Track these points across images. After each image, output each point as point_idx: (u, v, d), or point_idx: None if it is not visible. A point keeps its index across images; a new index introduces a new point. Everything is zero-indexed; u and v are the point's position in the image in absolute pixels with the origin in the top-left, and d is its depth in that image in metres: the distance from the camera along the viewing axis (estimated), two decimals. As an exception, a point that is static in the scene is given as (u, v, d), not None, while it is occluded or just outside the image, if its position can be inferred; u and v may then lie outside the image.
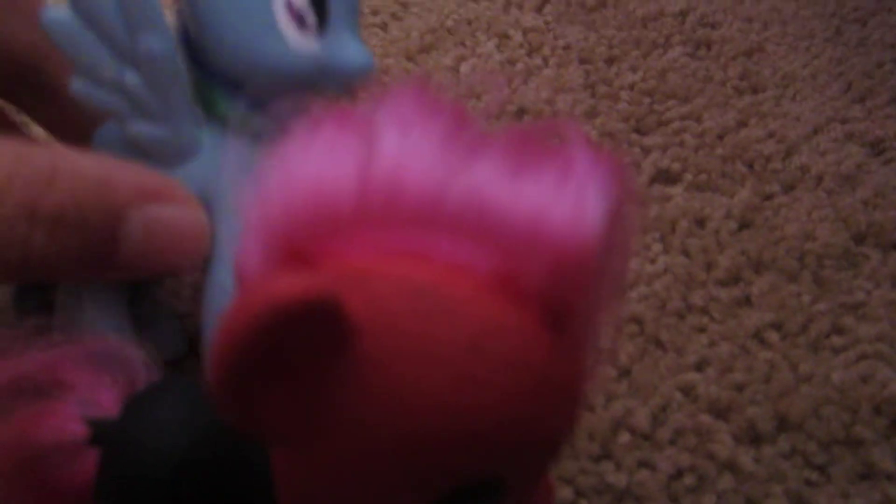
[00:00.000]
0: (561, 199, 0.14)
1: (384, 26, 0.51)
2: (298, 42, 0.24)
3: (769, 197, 0.43)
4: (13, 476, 0.19)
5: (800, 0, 0.60)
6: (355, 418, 0.14)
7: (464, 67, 0.48)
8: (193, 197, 0.22)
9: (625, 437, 0.31)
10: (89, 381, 0.22)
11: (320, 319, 0.12)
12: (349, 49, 0.24)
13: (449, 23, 0.51)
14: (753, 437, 0.32)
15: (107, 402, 0.21)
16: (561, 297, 0.14)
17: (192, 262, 0.23)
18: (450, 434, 0.13)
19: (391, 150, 0.14)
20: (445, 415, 0.13)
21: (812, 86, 0.52)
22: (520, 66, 0.49)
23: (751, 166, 0.45)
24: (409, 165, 0.14)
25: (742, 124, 0.47)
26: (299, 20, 0.23)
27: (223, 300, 0.25)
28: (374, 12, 0.51)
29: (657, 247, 0.39)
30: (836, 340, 0.36)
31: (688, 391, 0.33)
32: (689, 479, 0.31)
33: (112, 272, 0.22)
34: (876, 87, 0.52)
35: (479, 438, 0.13)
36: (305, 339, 0.12)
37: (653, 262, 0.38)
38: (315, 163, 0.14)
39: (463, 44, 0.50)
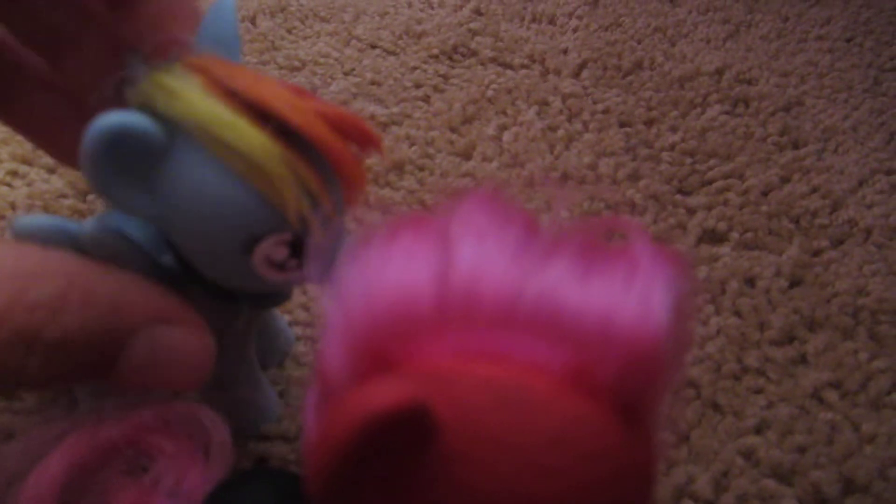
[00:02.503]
0: (629, 296, 0.15)
1: (427, 99, 0.52)
2: (276, 278, 0.23)
3: (818, 253, 0.43)
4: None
5: (835, 52, 0.61)
6: (442, 511, 0.14)
7: (506, 136, 0.49)
8: (201, 321, 0.23)
9: (688, 505, 0.31)
10: (173, 449, 0.23)
11: (411, 424, 0.13)
12: None
13: (489, 93, 0.53)
14: (820, 502, 0.32)
15: (189, 473, 0.22)
16: (633, 390, 0.15)
17: (191, 384, 0.22)
18: (534, 526, 0.14)
19: (468, 256, 0.15)
20: (525, 503, 0.14)
21: (854, 138, 0.52)
22: (560, 132, 0.50)
23: (797, 222, 0.45)
24: (485, 270, 0.15)
25: (785, 180, 0.48)
26: (279, 267, 0.23)
27: None
28: (417, 85, 0.53)
29: (709, 308, 0.39)
30: (898, 398, 0.36)
31: (749, 455, 0.33)
32: (756, 547, 0.30)
33: (105, 381, 0.21)
34: (919, 136, 0.52)
35: (562, 529, 0.14)
36: (397, 441, 0.13)
37: (705, 324, 0.38)
38: (395, 269, 0.15)
39: (504, 112, 0.52)
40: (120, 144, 0.21)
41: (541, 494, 0.14)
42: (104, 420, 0.23)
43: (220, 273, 0.25)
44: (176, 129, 0.22)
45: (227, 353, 0.29)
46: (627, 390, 0.14)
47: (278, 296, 0.27)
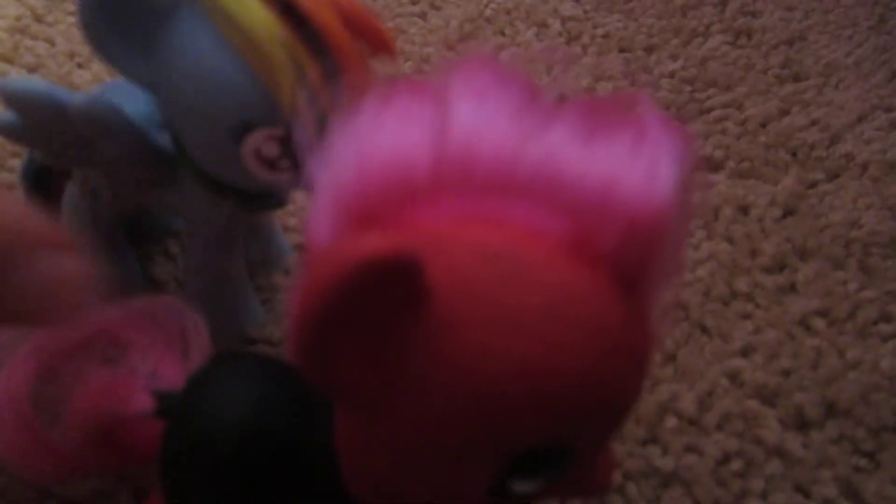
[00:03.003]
0: (634, 164, 0.14)
1: (423, 16, 0.51)
2: (266, 176, 0.23)
3: (813, 185, 0.43)
4: (87, 441, 0.20)
5: (842, -12, 0.59)
6: (430, 379, 0.14)
7: (503, 56, 0.48)
8: (82, 245, 0.22)
9: (671, 422, 0.31)
10: (147, 341, 0.22)
11: (402, 279, 0.12)
12: None
13: (488, 12, 0.51)
14: (801, 423, 0.32)
15: (166, 364, 0.22)
16: (633, 261, 0.14)
17: (71, 308, 0.20)
18: (525, 396, 0.13)
19: (465, 119, 0.14)
20: (521, 377, 0.13)
21: (856, 74, 0.51)
22: (559, 54, 0.49)
23: (794, 154, 0.44)
24: (483, 133, 0.14)
25: (785, 112, 0.47)
26: (269, 164, 0.22)
27: None
28: (414, 2, 0.52)
29: (701, 233, 0.39)
30: (884, 328, 0.36)
31: (734, 377, 0.33)
32: (736, 464, 0.30)
33: None
34: (921, 75, 0.51)
35: (553, 400, 0.14)
36: (386, 298, 0.13)
37: (696, 248, 0.38)
38: (389, 131, 0.14)
39: (502, 32, 0.50)
40: None
41: (530, 363, 0.13)
42: (75, 317, 0.23)
43: (210, 160, 0.24)
44: None
45: (208, 248, 0.28)
46: (628, 261, 0.14)
47: (270, 198, 0.26)
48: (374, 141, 0.14)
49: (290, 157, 0.23)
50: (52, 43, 0.44)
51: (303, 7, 0.20)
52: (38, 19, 0.45)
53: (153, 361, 0.22)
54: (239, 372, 0.20)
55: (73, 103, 0.23)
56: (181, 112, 0.23)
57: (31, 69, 0.42)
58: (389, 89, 0.15)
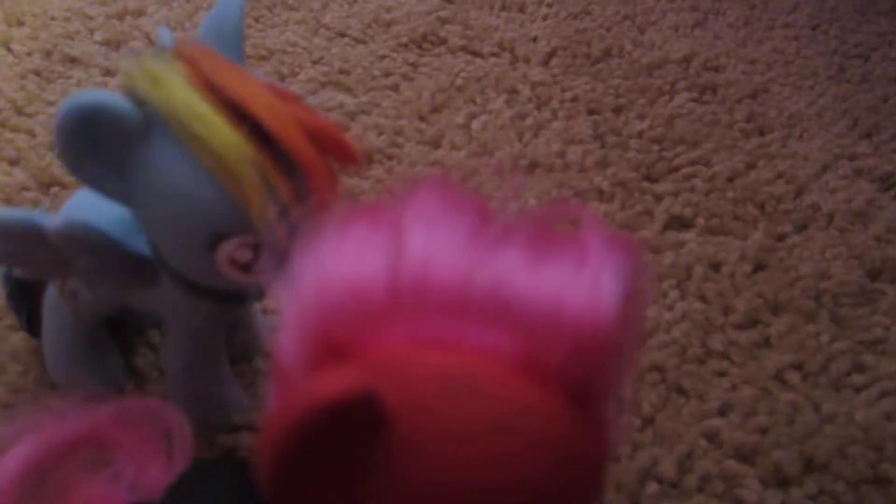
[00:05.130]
0: (578, 283, 0.15)
1: (395, 88, 0.52)
2: (240, 279, 0.24)
3: (782, 238, 0.44)
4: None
5: (801, 39, 0.61)
6: (390, 496, 0.14)
7: (475, 125, 0.49)
8: None
9: (652, 487, 0.32)
10: (133, 443, 0.23)
11: (360, 411, 0.13)
12: None
13: (459, 81, 0.53)
14: (781, 481, 0.33)
15: (151, 466, 0.22)
16: (583, 376, 0.15)
17: None
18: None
19: (419, 245, 0.15)
20: (476, 492, 0.14)
21: (818, 124, 0.53)
22: (529, 120, 0.50)
23: (762, 208, 0.46)
24: (436, 259, 0.15)
25: (751, 166, 0.48)
26: (243, 268, 0.23)
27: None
28: (386, 74, 0.53)
29: (674, 294, 0.40)
30: (858, 378, 0.37)
31: (712, 437, 0.34)
32: (718, 527, 0.31)
33: None
34: (882, 121, 0.53)
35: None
36: (347, 429, 0.13)
37: (670, 309, 0.39)
38: (348, 260, 0.15)
39: (473, 101, 0.52)
40: (94, 122, 0.22)
41: (490, 482, 0.14)
42: (63, 418, 0.23)
43: (185, 266, 0.25)
44: (156, 117, 0.22)
45: (189, 345, 0.29)
46: (577, 376, 0.15)
47: (245, 296, 0.27)
48: (334, 269, 0.15)
49: (264, 259, 0.24)
50: (32, 134, 0.45)
51: (270, 128, 0.21)
52: (19, 111, 0.46)
53: (138, 464, 0.23)
54: (216, 481, 0.20)
55: (50, 226, 0.24)
56: (157, 226, 0.24)
57: (13, 162, 0.43)
58: (348, 216, 0.16)
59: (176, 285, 0.26)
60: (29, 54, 0.51)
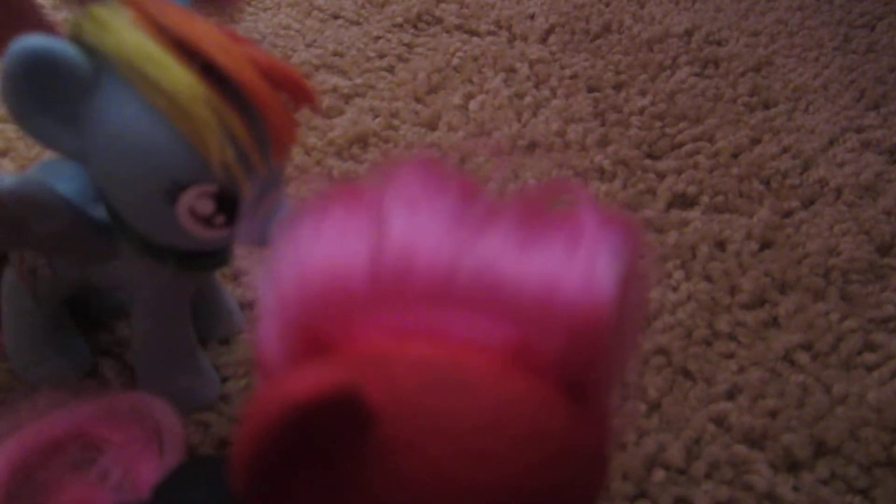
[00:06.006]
0: (572, 266, 0.14)
1: (391, 69, 0.51)
2: (203, 234, 0.23)
3: (789, 214, 0.43)
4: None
5: (805, 10, 0.60)
6: (379, 496, 0.14)
7: (472, 105, 0.48)
8: None
9: (660, 475, 0.31)
10: (123, 440, 0.22)
11: (341, 409, 0.12)
12: None
13: (455, 61, 0.52)
14: (791, 465, 0.32)
15: (142, 461, 0.22)
16: (578, 366, 0.14)
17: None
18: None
19: (400, 230, 0.14)
20: (467, 490, 0.13)
21: (824, 96, 0.51)
22: (528, 99, 0.49)
23: (768, 184, 0.44)
24: (418, 244, 0.14)
25: (756, 141, 0.47)
26: (205, 222, 0.23)
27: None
28: (381, 55, 0.52)
29: (678, 274, 0.38)
30: (869, 357, 0.36)
31: (720, 421, 0.33)
32: (728, 513, 0.30)
33: None
34: (889, 92, 0.52)
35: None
36: (328, 428, 0.12)
37: (675, 290, 0.38)
38: (327, 247, 0.14)
39: (470, 81, 0.50)
40: (41, 70, 0.21)
41: (477, 480, 0.13)
42: (49, 416, 0.22)
43: (145, 224, 0.24)
44: (105, 64, 0.22)
45: (153, 318, 0.28)
46: (573, 366, 0.14)
47: (210, 258, 0.26)
48: (313, 256, 0.14)
49: (226, 213, 0.23)
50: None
51: (222, 66, 0.20)
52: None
53: (125, 464, 0.22)
54: (204, 482, 0.19)
55: (4, 185, 0.23)
56: (112, 179, 0.23)
57: (2, 153, 0.42)
58: (326, 199, 0.15)
59: (137, 251, 0.25)
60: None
